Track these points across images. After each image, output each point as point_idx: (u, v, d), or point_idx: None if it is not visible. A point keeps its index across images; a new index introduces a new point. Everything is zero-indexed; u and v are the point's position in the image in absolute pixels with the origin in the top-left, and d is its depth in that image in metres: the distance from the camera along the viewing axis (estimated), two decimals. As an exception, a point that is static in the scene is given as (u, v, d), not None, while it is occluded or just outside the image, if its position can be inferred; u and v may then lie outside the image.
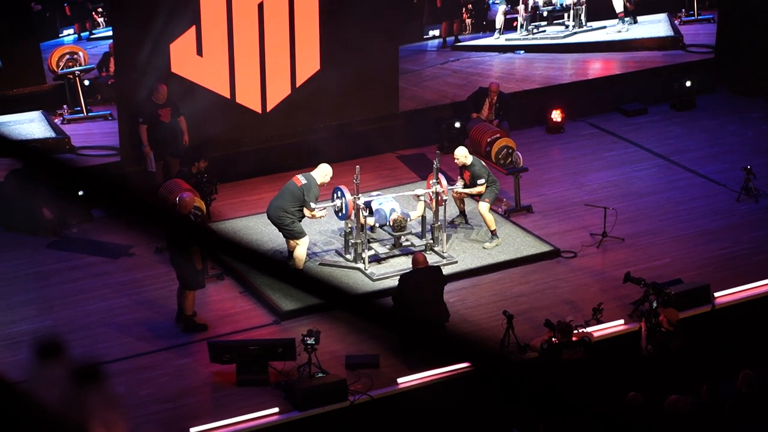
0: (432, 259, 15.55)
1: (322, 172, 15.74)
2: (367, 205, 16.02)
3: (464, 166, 16.52)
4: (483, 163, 16.72)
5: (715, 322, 15.30)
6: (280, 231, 15.57)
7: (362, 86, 19.19)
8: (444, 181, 16.04)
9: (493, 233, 16.58)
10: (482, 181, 16.38)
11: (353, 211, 15.66)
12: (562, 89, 21.09)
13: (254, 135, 18.73)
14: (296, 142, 18.84)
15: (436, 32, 20.20)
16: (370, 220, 15.98)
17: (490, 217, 16.53)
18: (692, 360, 14.18)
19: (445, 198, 16.13)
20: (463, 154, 16.49)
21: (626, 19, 21.47)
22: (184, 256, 14.04)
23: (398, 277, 14.73)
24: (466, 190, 16.54)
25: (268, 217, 15.55)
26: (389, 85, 19.64)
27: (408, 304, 14.03)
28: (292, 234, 15.47)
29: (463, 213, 17.11)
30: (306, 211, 15.46)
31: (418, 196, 16.36)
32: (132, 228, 1.95)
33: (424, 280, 14.31)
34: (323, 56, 18.77)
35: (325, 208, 15.74)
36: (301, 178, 15.58)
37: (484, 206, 16.48)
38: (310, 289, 2.02)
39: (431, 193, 16.12)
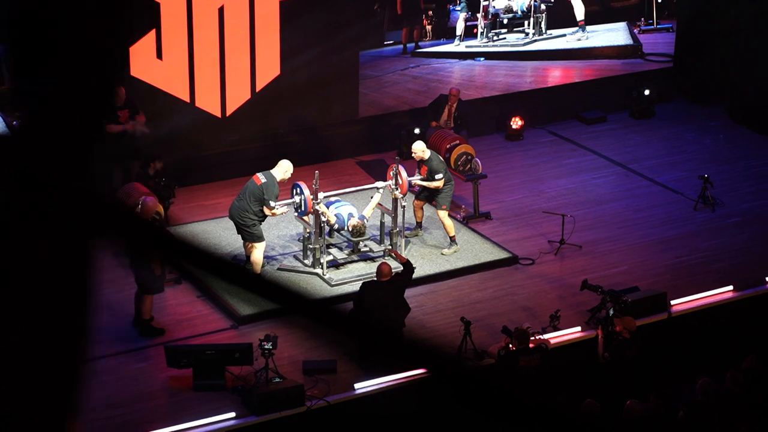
0: (390, 264, 15.56)
1: (282, 169, 15.55)
2: (326, 207, 15.95)
3: (422, 161, 16.53)
4: (441, 158, 16.72)
5: (671, 330, 15.39)
6: (239, 232, 15.46)
7: (322, 91, 19.19)
8: (404, 173, 16.06)
9: (452, 239, 16.60)
10: (440, 176, 16.36)
11: (311, 213, 15.60)
12: (522, 96, 21.15)
13: (213, 139, 18.65)
14: (255, 147, 18.77)
15: (397, 38, 20.20)
16: (332, 218, 15.86)
17: (449, 223, 16.55)
18: (649, 367, 14.25)
19: (404, 204, 16.17)
20: (420, 149, 16.49)
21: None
22: (143, 261, 13.94)
23: (359, 283, 14.74)
24: (424, 183, 16.52)
25: (230, 217, 15.43)
26: (349, 91, 19.63)
27: (366, 310, 14.02)
28: (251, 236, 15.36)
29: (419, 224, 17.09)
30: (266, 210, 15.35)
31: (378, 189, 16.23)
32: (93, 233, 1.93)
33: (385, 290, 14.29)
34: (283, 61, 18.74)
35: (285, 206, 15.64)
36: (260, 177, 15.44)
37: (443, 213, 16.50)
38: (267, 293, 2.01)
39: (392, 185, 16.10)
